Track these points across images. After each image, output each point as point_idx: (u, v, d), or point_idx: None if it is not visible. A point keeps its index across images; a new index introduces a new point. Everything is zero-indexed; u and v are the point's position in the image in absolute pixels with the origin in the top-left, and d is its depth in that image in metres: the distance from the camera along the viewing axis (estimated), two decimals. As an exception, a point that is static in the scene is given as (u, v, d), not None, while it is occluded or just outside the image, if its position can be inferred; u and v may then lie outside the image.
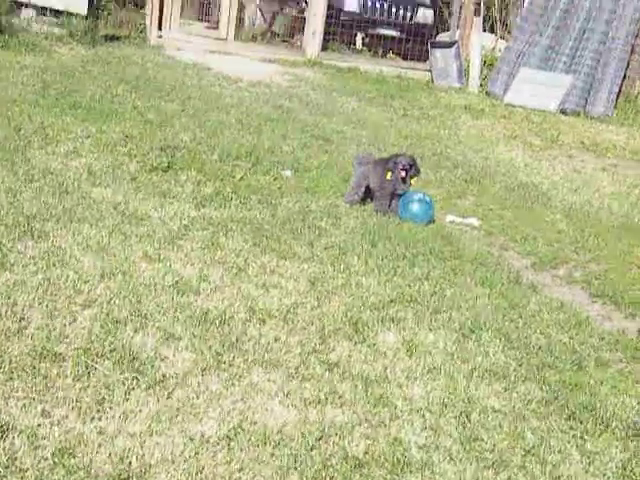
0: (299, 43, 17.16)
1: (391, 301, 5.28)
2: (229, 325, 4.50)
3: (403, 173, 7.10)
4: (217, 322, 4.49)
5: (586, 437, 3.99)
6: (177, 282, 4.92)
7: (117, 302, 4.49)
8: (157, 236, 5.62)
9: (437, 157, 10.16)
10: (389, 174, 7.13)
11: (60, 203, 5.91)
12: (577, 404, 4.30)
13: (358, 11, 17.71)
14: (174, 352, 4.09)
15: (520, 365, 4.67)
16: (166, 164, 7.44)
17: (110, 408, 3.53)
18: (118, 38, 15.07)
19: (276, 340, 4.43)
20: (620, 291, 6.27)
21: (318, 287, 5.31)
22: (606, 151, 12.21)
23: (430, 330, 4.96)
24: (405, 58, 17.50)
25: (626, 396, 4.50)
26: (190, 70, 13.21)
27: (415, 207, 7.14)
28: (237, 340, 4.32)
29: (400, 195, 7.21)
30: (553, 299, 5.89)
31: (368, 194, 7.45)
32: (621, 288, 6.36)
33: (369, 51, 17.85)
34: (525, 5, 16.55)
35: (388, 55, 17.74)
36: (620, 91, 15.15)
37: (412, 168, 7.16)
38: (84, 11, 13.89)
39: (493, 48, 17.28)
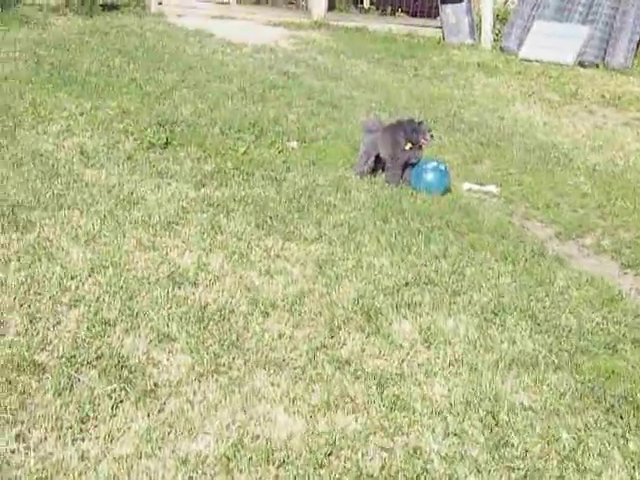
0: (304, 4, 16.61)
1: (406, 284, 4.88)
2: (229, 320, 4.11)
3: (426, 142, 6.66)
4: (216, 317, 4.10)
5: (628, 435, 3.59)
6: (173, 273, 4.53)
7: (106, 299, 4.11)
8: (153, 221, 5.23)
9: (451, 119, 9.68)
10: (409, 144, 6.65)
11: (49, 188, 5.52)
12: (615, 395, 3.90)
13: (364, -32, 17.09)
14: (168, 356, 3.71)
15: (550, 352, 4.27)
16: (164, 140, 7.02)
17: (95, 427, 3.17)
18: (117, 7, 14.58)
19: (280, 336, 4.04)
20: (653, 260, 5.84)
21: (327, 271, 4.91)
22: (628, 104, 11.65)
23: (449, 315, 4.55)
24: (415, 15, 16.90)
25: (668, 383, 4.08)
26: (192, 37, 12.71)
27: (429, 176, 6.69)
28: (238, 338, 3.94)
29: (413, 164, 6.77)
30: (582, 273, 5.47)
31: (379, 163, 7.01)
32: (654, 256, 5.92)
33: (377, 9, 17.27)
34: (538, -46, 15.86)
35: (397, 13, 17.13)
36: (640, 40, 14.52)
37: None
38: (80, -20, 13.37)
39: (506, 1, 16.64)
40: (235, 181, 6.28)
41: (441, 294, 4.81)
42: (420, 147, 6.68)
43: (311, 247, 5.24)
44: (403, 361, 3.98)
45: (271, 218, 5.60)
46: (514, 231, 6.13)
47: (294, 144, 7.65)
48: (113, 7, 14.47)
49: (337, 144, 7.83)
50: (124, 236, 4.92)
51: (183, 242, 5.00)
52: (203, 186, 6.09)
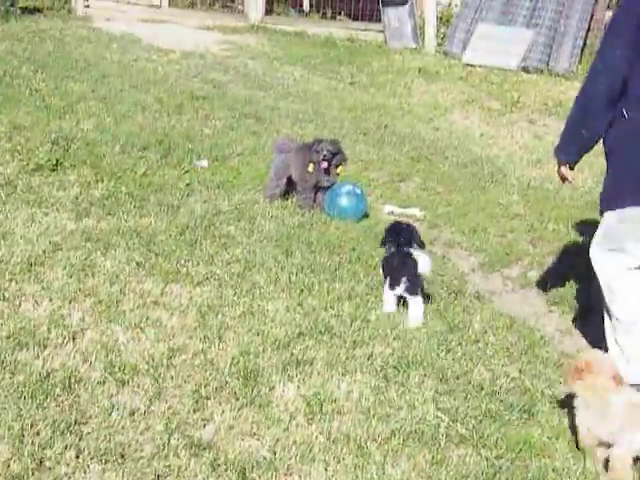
0: (241, 7, 15.95)
1: (300, 334, 4.27)
2: (74, 393, 3.46)
3: (325, 164, 6.05)
4: (58, 390, 3.45)
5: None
6: (19, 330, 3.87)
7: None
8: (13, 262, 4.56)
9: (382, 131, 9.11)
10: (311, 166, 6.07)
11: None
12: (526, 478, 3.33)
13: (303, -31, 16.46)
14: (-22, 450, 3.05)
15: (454, 420, 3.68)
16: (54, 161, 6.33)
17: None
18: (40, 10, 13.83)
19: (133, 412, 3.40)
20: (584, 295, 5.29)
21: (209, 321, 4.28)
22: (571, 112, 11.17)
23: (344, 374, 3.95)
24: (356, 19, 16.31)
25: (588, 458, 3.52)
26: (116, 43, 12.01)
27: (343, 201, 6.10)
28: (77, 420, 3.28)
29: (326, 187, 6.17)
30: (502, 313, 4.91)
31: (291, 186, 6.40)
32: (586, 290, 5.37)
33: (317, 12, 16.65)
34: (481, -45, 15.38)
35: (338, 16, 16.54)
36: (585, 44, 14.10)
37: (336, 156, 6.10)
38: (-4, -19, 12.57)
39: (449, 3, 16.13)
40: (125, 209, 5.63)
41: (338, 347, 4.21)
42: (327, 171, 6.08)
43: (197, 290, 4.61)
44: (278, 441, 3.36)
45: (156, 255, 4.96)
46: (433, 263, 5.54)
47: (204, 163, 7.00)
48: (36, 11, 13.71)
49: (253, 162, 7.21)
50: (-29, 284, 4.24)
51: (43, 289, 4.33)
52: (86, 216, 5.43)
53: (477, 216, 6.66)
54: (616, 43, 3.86)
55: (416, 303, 4.62)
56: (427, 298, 4.86)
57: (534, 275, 5.63)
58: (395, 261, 4.75)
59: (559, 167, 4.30)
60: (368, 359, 4.12)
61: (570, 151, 4.22)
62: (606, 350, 4.01)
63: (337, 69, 12.65)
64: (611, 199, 4.01)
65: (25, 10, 13.31)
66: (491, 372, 4.17)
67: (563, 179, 4.34)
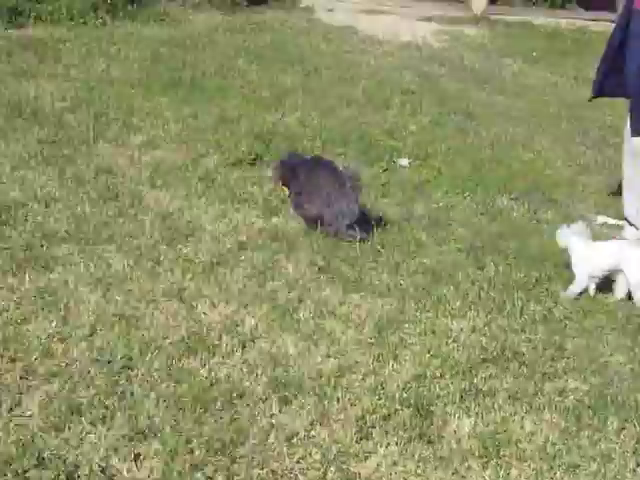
0: (465, -4, 15.43)
1: (484, 360, 3.89)
2: (234, 408, 3.30)
3: None
4: (219, 403, 3.29)
5: None
6: (191, 335, 3.77)
7: (92, 371, 3.41)
8: (197, 261, 4.50)
9: (604, 132, 8.37)
10: None
11: (97, 215, 4.90)
12: None
13: (534, -45, 15.61)
14: (132, 463, 2.94)
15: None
16: (254, 156, 6.30)
17: None
18: (265, 1, 14.08)
19: (291, 437, 3.15)
20: None
21: (386, 337, 4.00)
22: None
23: (529, 412, 3.53)
24: (588, 8, 15.28)
25: None
26: (333, 34, 11.92)
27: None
28: (232, 440, 3.09)
29: None
30: None
31: None
32: None
33: (546, 1, 15.77)
34: None
35: (568, 5, 15.58)
36: None
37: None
38: (225, -28, 12.90)
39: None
40: (316, 208, 5.45)
41: (526, 377, 3.79)
42: None
43: (377, 302, 4.34)
44: (444, 490, 3.02)
45: (340, 260, 4.74)
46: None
47: (405, 162, 6.71)
48: (262, 2, 13.95)
49: (456, 162, 6.84)
50: (152, 284, 4.20)
51: (221, 291, 4.23)
52: (276, 215, 5.31)
53: None
54: None
55: None
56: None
57: None
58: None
59: None
60: (559, 395, 3.67)
61: None
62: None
63: (561, 62, 11.87)
64: None
65: (252, 2, 13.56)
66: None
67: None
